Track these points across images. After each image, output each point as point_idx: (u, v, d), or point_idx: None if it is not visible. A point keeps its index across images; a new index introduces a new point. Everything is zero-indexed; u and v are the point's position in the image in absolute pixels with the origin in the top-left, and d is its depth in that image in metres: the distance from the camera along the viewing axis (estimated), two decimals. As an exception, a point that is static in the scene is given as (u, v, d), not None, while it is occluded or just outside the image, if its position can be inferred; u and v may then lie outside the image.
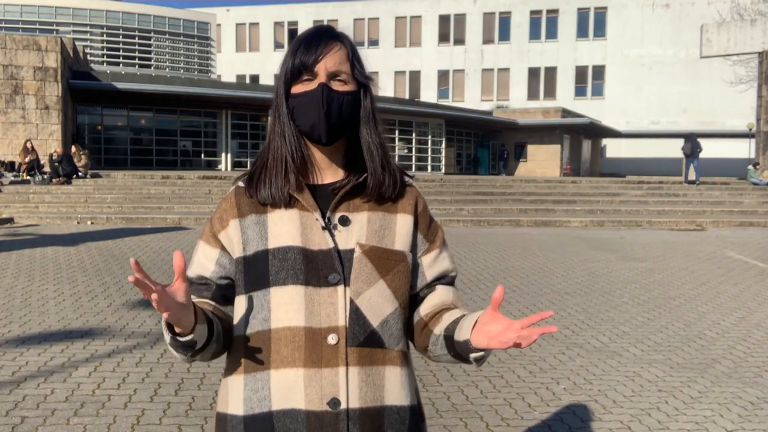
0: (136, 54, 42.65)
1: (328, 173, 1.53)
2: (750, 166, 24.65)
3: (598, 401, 4.47)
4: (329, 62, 1.47)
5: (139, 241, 12.26)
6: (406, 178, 1.59)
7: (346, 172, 1.52)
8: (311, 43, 1.48)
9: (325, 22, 48.19)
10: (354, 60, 1.52)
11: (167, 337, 1.41)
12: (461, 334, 1.44)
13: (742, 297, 8.07)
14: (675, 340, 6.05)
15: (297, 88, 1.49)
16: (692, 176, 23.64)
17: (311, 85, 1.47)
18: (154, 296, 1.27)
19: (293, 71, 1.48)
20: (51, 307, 6.87)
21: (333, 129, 1.47)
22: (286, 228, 1.47)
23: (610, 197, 21.30)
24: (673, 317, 6.94)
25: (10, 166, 20.04)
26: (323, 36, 1.49)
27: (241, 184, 1.55)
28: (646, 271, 9.84)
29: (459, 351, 1.46)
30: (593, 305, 7.44)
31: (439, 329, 1.51)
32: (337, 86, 1.48)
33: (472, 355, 1.44)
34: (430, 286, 1.58)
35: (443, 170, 33.85)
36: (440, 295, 1.57)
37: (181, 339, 1.39)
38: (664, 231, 16.36)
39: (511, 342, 1.32)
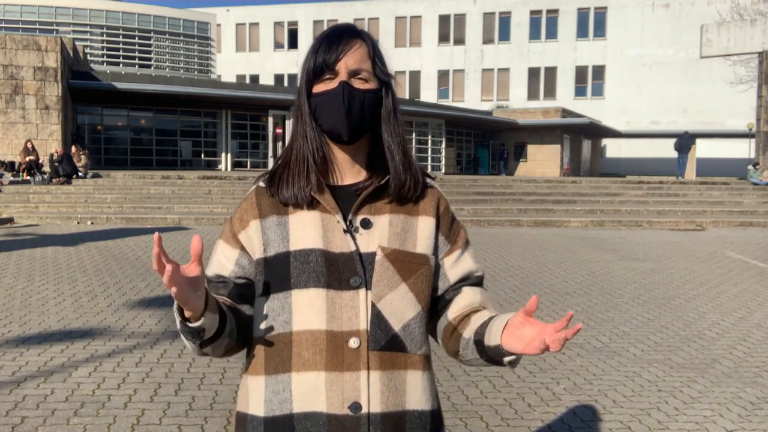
0: (136, 54, 42.60)
1: (350, 173, 1.52)
2: (750, 166, 24.65)
3: (598, 401, 4.47)
4: (350, 60, 1.46)
5: (139, 241, 12.26)
6: (428, 179, 1.58)
7: (369, 172, 1.52)
8: (332, 41, 1.47)
9: (325, 23, 48.24)
10: (375, 57, 1.51)
11: (177, 321, 1.38)
12: (491, 339, 1.42)
13: (742, 297, 8.07)
14: (675, 340, 6.05)
15: (318, 87, 1.48)
16: (689, 173, 23.83)
17: (332, 84, 1.46)
18: (168, 267, 1.25)
19: (315, 70, 1.47)
20: (51, 307, 6.87)
21: (354, 127, 1.46)
22: (307, 230, 1.46)
23: (610, 197, 21.29)
24: (673, 317, 6.94)
25: (10, 166, 20.03)
26: (344, 34, 1.49)
27: (261, 183, 1.54)
28: (646, 271, 9.83)
29: (492, 355, 1.44)
30: (593, 305, 7.44)
31: (468, 333, 1.49)
32: (358, 84, 1.47)
33: (506, 359, 1.42)
34: (456, 288, 1.56)
35: (443, 170, 33.82)
36: (467, 296, 1.55)
37: (190, 325, 1.36)
38: (664, 231, 16.36)
39: (544, 346, 1.29)
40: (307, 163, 1.48)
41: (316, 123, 1.50)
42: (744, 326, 6.60)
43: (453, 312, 1.53)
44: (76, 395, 4.39)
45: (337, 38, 1.48)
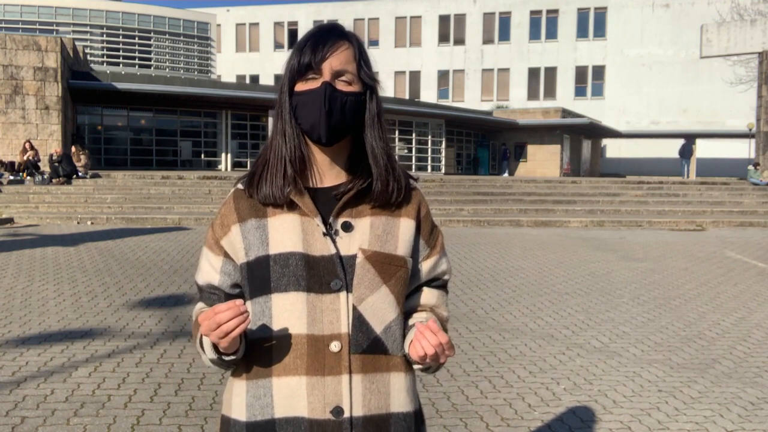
0: (136, 54, 42.59)
1: (330, 175, 1.50)
2: (750, 166, 24.65)
3: (598, 401, 4.47)
4: (335, 61, 1.44)
5: (139, 241, 12.26)
6: (410, 181, 1.57)
7: (350, 175, 1.49)
8: (318, 40, 1.46)
9: (325, 22, 48.21)
10: (361, 60, 1.49)
11: (211, 355, 1.43)
12: (406, 344, 1.49)
13: (742, 297, 8.07)
14: (675, 340, 6.05)
15: (301, 86, 1.46)
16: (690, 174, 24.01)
17: (315, 84, 1.44)
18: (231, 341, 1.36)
19: (299, 69, 1.46)
20: (51, 307, 6.87)
21: (334, 129, 1.44)
22: (287, 234, 1.44)
23: (610, 197, 21.30)
24: (673, 317, 6.93)
25: (10, 166, 20.03)
26: (331, 34, 1.47)
27: (240, 186, 1.52)
28: (646, 271, 9.83)
29: (409, 361, 1.50)
30: (593, 305, 7.44)
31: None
32: (341, 86, 1.45)
33: (414, 366, 1.49)
34: (419, 288, 1.58)
35: (443, 170, 33.82)
36: (423, 297, 1.58)
37: (227, 359, 1.43)
38: (664, 231, 16.36)
39: (422, 353, 1.39)
40: (285, 161, 1.46)
41: (296, 122, 1.47)
42: (744, 326, 6.60)
43: (407, 310, 1.56)
44: (76, 395, 4.38)
45: (324, 38, 1.46)
